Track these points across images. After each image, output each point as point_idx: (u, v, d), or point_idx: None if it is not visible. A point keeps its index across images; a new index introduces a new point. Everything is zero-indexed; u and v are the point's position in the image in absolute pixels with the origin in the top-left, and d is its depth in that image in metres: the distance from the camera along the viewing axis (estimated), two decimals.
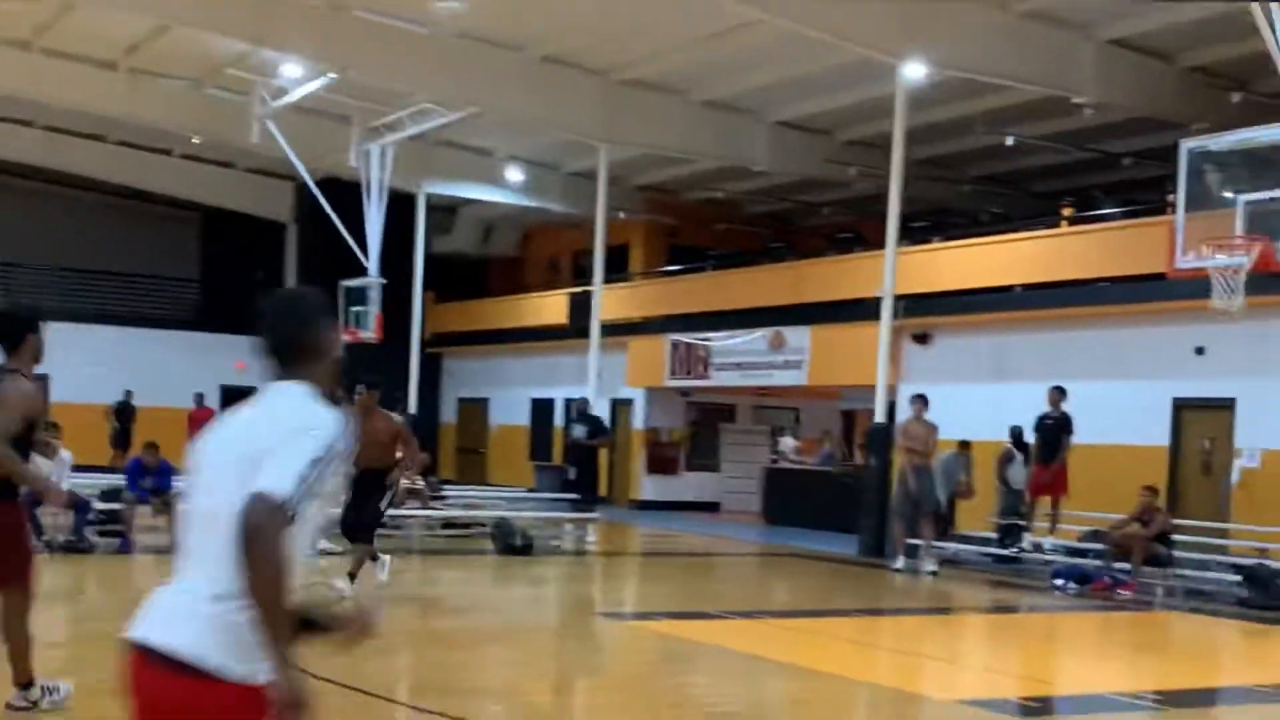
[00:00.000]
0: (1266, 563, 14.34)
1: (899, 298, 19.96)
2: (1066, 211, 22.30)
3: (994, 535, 17.35)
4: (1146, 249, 16.97)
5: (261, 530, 2.81)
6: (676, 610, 12.42)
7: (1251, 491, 16.69)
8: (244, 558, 2.81)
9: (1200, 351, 17.68)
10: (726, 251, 29.30)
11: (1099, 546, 15.72)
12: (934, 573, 16.28)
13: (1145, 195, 21.54)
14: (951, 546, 17.75)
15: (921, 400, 16.97)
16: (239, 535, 2.82)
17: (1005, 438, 17.67)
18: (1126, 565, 15.12)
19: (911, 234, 22.95)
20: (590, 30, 20.58)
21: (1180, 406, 18.07)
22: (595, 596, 14.59)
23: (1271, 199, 13.45)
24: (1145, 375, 18.30)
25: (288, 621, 2.86)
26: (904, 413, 17.64)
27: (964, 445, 18.56)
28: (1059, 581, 15.41)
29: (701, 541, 21.24)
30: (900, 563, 16.78)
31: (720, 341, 25.34)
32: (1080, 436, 16.68)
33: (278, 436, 2.95)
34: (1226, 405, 17.45)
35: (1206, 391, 17.70)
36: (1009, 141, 21.21)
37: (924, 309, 21.39)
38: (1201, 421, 17.96)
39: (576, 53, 21.73)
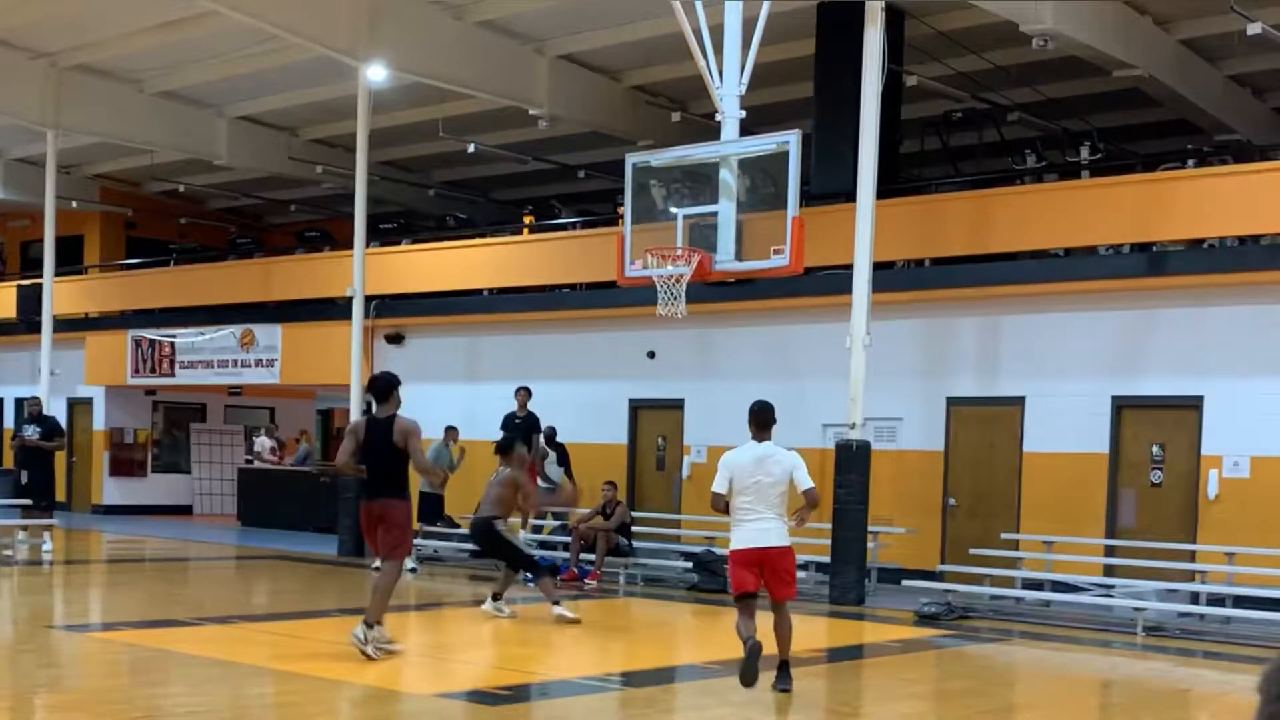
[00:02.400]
0: (713, 550, 15.46)
1: (370, 298, 20.00)
2: (528, 219, 22.99)
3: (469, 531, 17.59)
4: (601, 257, 17.62)
5: None
6: (147, 619, 11.74)
7: (698, 485, 17.90)
8: None
9: (651, 355, 18.81)
10: (190, 246, 28.19)
11: (567, 539, 16.39)
12: (413, 570, 16.39)
13: (599, 207, 22.66)
14: (432, 544, 18.01)
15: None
16: None
17: (485, 437, 17.98)
18: (592, 555, 15.91)
19: (380, 234, 23.09)
20: (36, 10, 18.99)
21: (636, 407, 19.13)
22: (55, 608, 13.59)
23: (707, 213, 14.12)
24: (604, 376, 19.22)
25: None
26: None
27: (451, 430, 18.64)
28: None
29: (173, 546, 20.32)
30: (379, 562, 16.67)
31: (187, 339, 24.38)
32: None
33: None
34: (676, 405, 18.66)
35: (658, 392, 18.88)
36: (470, 149, 21.49)
37: (395, 309, 21.58)
38: (655, 420, 19.07)
39: (20, 33, 20.06)
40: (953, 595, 13.87)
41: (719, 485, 8.76)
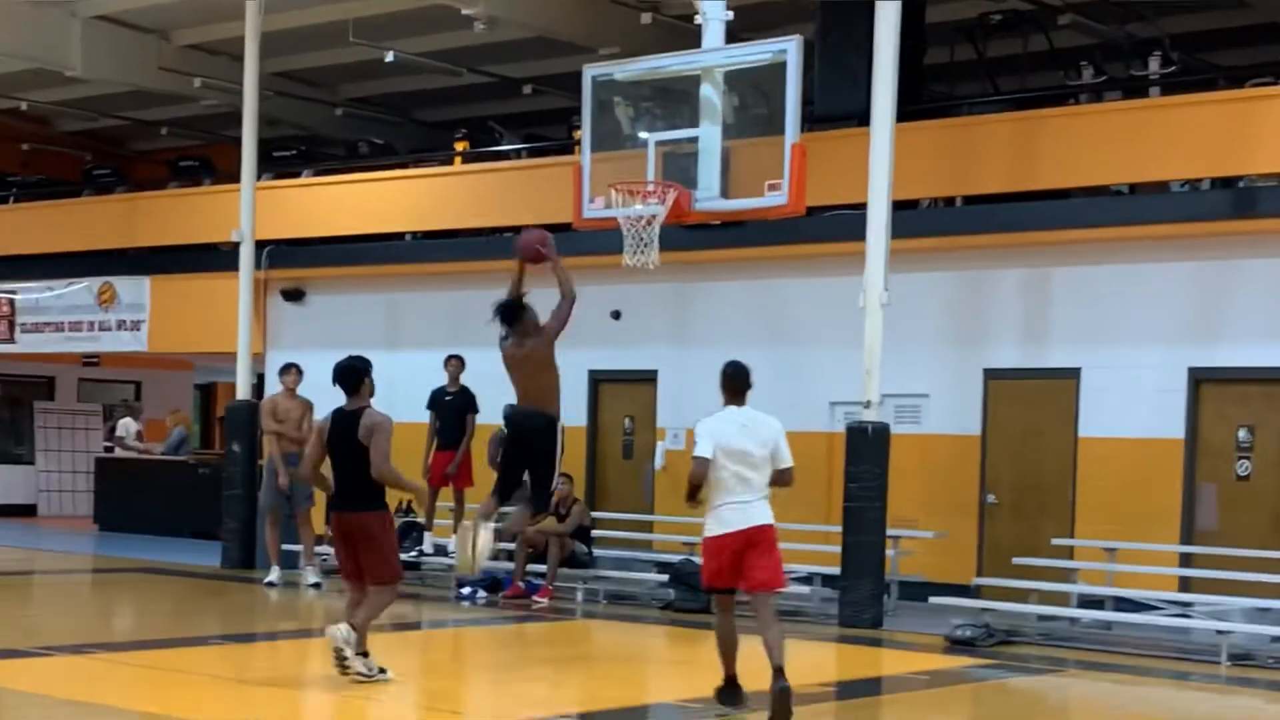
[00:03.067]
0: (694, 559, 15.29)
1: (262, 243, 19.96)
2: (461, 146, 22.86)
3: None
4: (552, 194, 17.60)
5: None
6: None
7: (675, 478, 17.78)
8: None
9: (616, 316, 18.81)
10: (34, 179, 27.90)
11: (510, 546, 16.19)
12: (317, 585, 16.33)
13: (551, 130, 22.52)
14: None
15: (294, 371, 16.91)
16: None
17: (408, 418, 17.76)
18: (543, 567, 15.82)
19: (275, 164, 22.88)
20: None
21: (598, 380, 19.12)
22: None
23: (685, 139, 14.11)
24: (558, 342, 19.17)
25: None
26: (273, 387, 17.52)
27: None
28: (465, 590, 15.90)
29: (11, 557, 20.13)
30: (275, 575, 16.72)
31: (30, 295, 24.22)
32: (484, 415, 16.99)
33: None
34: (648, 378, 18.68)
35: (625, 362, 18.87)
36: (389, 57, 21.25)
37: (294, 258, 21.51)
38: (621, 398, 19.08)
39: None
40: (992, 615, 13.94)
41: (704, 449, 9.11)
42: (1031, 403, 16.34)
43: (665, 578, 15.72)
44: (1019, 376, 16.37)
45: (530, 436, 12.47)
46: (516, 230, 19.44)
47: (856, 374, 14.53)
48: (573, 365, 18.90)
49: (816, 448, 16.29)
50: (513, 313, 12.55)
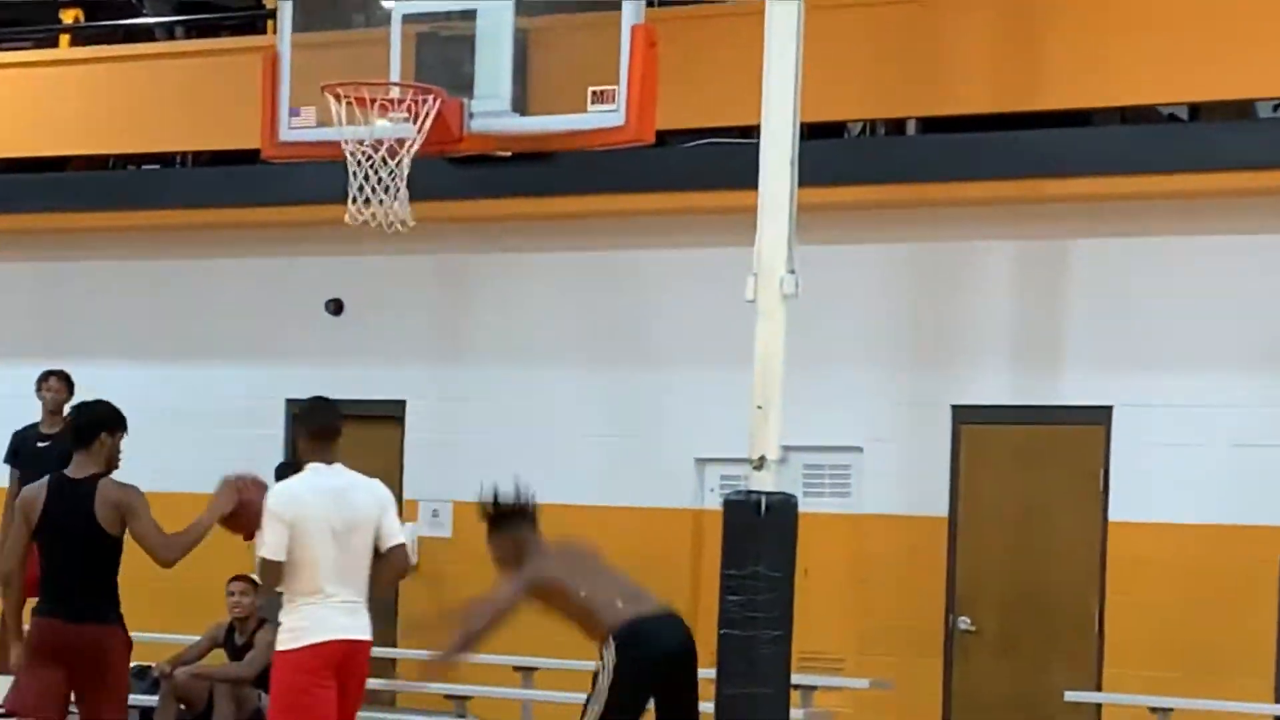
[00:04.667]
0: None
1: None
2: (70, 17, 22.74)
3: None
4: (227, 99, 18.00)
5: None
6: None
7: (432, 582, 17.91)
8: None
9: (337, 309, 19.09)
10: None
11: (150, 700, 16.13)
12: None
13: None
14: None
15: None
16: None
17: None
18: None
19: None
20: None
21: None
22: None
23: (456, 12, 14.50)
24: (234, 353, 19.55)
25: None
26: None
27: None
28: None
29: None
30: None
31: None
32: None
33: None
34: (390, 415, 19.04)
35: (353, 389, 18.39)
36: None
37: None
38: (345, 447, 18.82)
39: None
40: None
41: (272, 548, 10.27)
42: (1032, 463, 16.50)
43: None
44: (1011, 419, 16.54)
45: (689, 664, 12.33)
46: (166, 162, 19.37)
47: (742, 413, 14.20)
48: (262, 390, 18.97)
49: (671, 534, 16.35)
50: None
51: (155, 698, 16.27)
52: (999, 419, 16.53)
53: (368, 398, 18.77)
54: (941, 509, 16.61)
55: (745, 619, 14.05)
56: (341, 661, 10.28)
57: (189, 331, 19.98)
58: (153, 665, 17.69)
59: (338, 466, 10.65)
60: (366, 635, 10.50)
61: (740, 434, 14.29)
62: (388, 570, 10.54)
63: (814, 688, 15.64)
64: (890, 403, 16.78)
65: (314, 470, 10.56)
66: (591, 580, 12.24)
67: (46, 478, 11.25)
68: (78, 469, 11.15)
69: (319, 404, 10.83)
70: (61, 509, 10.90)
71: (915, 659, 16.44)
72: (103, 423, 11.27)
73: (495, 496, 12.41)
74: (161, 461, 18.34)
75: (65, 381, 17.39)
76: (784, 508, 14.01)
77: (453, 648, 11.95)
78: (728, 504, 14.23)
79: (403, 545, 10.64)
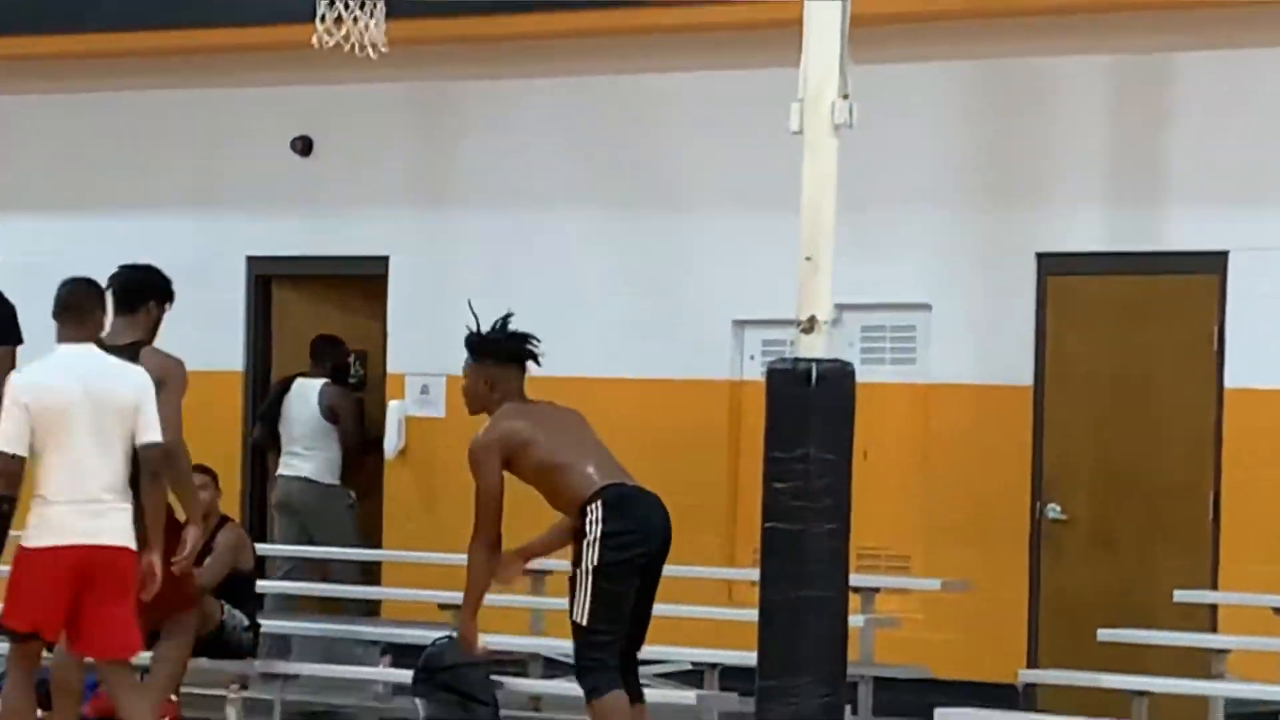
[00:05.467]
0: (456, 635, 15.14)
1: None
2: None
3: None
4: None
5: None
6: None
7: (422, 471, 18.15)
8: None
9: (305, 150, 19.16)
10: None
11: None
12: None
13: None
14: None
15: None
16: None
17: None
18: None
19: None
20: None
21: (267, 279, 19.85)
22: None
23: None
24: (188, 202, 19.79)
25: None
26: None
27: None
28: None
29: None
30: None
31: None
32: None
33: None
34: (373, 274, 19.46)
35: (326, 245, 19.37)
36: None
37: None
38: (321, 312, 19.72)
39: None
40: None
41: (9, 438, 10.63)
42: (1133, 321, 16.47)
43: (403, 674, 15.71)
44: (1107, 269, 16.57)
45: (664, 554, 13.08)
46: None
47: (788, 265, 14.13)
48: (214, 244, 18.84)
49: (704, 411, 16.45)
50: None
51: None
52: (1092, 268, 16.57)
53: (343, 253, 19.11)
54: (1025, 376, 16.64)
55: (794, 510, 13.95)
56: (81, 569, 10.56)
57: (129, 177, 20.07)
58: None
59: (90, 347, 10.87)
60: (116, 540, 10.71)
61: (785, 291, 14.21)
62: (144, 475, 10.74)
63: (876, 590, 15.76)
64: (963, 251, 16.80)
65: (62, 353, 10.83)
66: (567, 444, 12.72)
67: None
68: (115, 335, 11.76)
69: (71, 286, 11.06)
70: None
71: (995, 555, 16.49)
72: (154, 290, 12.13)
73: (478, 323, 12.78)
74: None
75: None
76: (838, 377, 13.94)
77: (472, 611, 12.67)
78: (771, 374, 14.18)
79: (158, 445, 10.81)
